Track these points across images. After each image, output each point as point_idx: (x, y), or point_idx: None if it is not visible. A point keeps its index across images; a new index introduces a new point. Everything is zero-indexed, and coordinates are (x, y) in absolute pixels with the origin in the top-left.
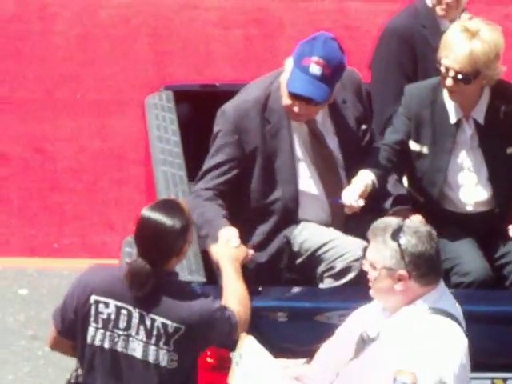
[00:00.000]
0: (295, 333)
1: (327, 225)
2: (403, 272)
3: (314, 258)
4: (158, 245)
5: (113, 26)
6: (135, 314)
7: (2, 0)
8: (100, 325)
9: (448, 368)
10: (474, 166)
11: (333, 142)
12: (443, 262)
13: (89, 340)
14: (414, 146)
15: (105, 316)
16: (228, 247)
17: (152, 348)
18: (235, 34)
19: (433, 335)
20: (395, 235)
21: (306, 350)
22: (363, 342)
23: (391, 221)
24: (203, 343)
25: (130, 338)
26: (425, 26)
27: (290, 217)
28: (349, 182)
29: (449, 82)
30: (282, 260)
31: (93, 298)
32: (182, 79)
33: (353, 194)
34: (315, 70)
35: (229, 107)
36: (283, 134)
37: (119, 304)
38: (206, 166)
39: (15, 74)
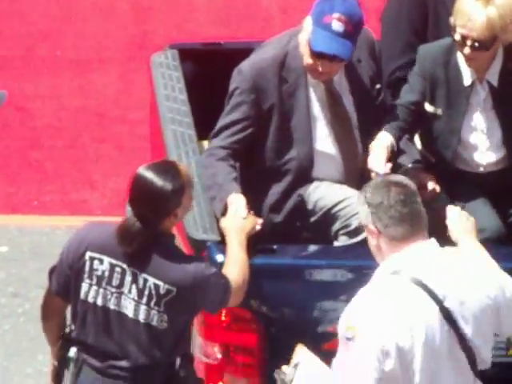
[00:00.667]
0: (310, 291)
1: (341, 183)
2: (372, 226)
3: (329, 216)
4: (148, 204)
5: None
6: (128, 272)
7: None
8: (94, 281)
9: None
10: (487, 128)
11: (348, 101)
12: None
13: (82, 296)
14: (428, 107)
15: (99, 273)
16: (236, 218)
17: (143, 307)
18: None
19: (381, 294)
20: (365, 192)
21: (321, 310)
22: None
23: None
24: (194, 307)
25: (123, 296)
26: None
27: (305, 176)
28: (363, 141)
29: (466, 50)
30: (296, 219)
31: (88, 254)
32: (163, 36)
33: (380, 161)
34: (337, 26)
35: (246, 66)
36: (300, 93)
37: (114, 261)
38: (221, 123)
39: None
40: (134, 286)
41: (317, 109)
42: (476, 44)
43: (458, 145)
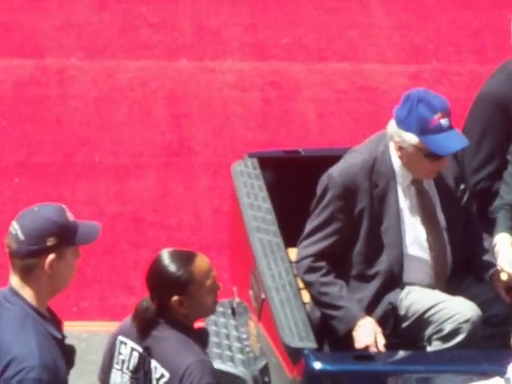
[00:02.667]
0: None
1: (431, 287)
2: None
3: (422, 321)
4: (153, 283)
5: (130, 89)
6: (142, 356)
7: (20, 63)
8: (119, 366)
9: None
10: None
11: (436, 202)
12: None
13: (110, 383)
14: None
15: (123, 357)
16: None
17: None
18: (252, 96)
19: None
20: None
21: None
22: None
23: None
24: None
25: (139, 383)
26: None
27: (394, 280)
28: (451, 243)
29: None
30: (387, 326)
31: (119, 338)
32: (200, 142)
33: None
34: (445, 122)
35: (336, 171)
36: (391, 197)
37: (134, 345)
38: (310, 227)
39: (33, 137)
40: (142, 372)
41: (407, 212)
42: None
43: None
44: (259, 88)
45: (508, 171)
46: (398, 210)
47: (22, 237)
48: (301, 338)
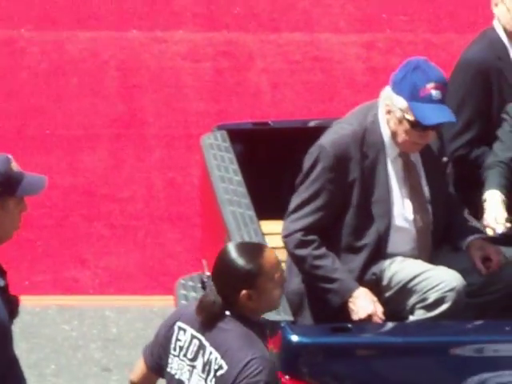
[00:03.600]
0: (387, 370)
1: (414, 257)
2: None
3: (406, 291)
4: (220, 277)
5: (81, 60)
6: (202, 345)
7: None
8: (176, 352)
9: None
10: None
11: (421, 174)
12: None
13: (168, 368)
14: None
15: (181, 343)
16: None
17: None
18: (205, 66)
19: None
20: None
21: None
22: None
23: None
24: None
25: (194, 371)
26: (500, 58)
27: (380, 251)
28: (434, 214)
29: None
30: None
31: (177, 323)
32: (152, 113)
33: (500, 218)
34: (437, 94)
35: (327, 142)
36: (380, 168)
37: (194, 333)
38: (299, 199)
39: None
40: (201, 360)
41: (395, 183)
42: None
43: None
44: (211, 58)
45: (503, 129)
46: (387, 182)
47: None
48: (277, 310)
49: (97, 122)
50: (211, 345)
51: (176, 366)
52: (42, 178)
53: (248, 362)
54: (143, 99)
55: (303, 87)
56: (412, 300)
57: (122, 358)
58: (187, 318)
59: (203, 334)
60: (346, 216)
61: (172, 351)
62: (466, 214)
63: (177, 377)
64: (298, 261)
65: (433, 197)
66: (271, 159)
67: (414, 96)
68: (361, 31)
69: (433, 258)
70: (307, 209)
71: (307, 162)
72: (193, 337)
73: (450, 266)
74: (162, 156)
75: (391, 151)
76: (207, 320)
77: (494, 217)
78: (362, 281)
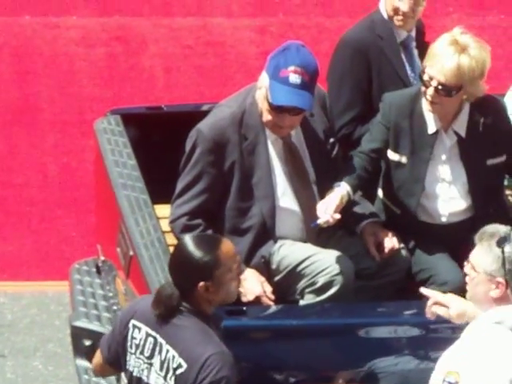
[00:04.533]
0: (279, 352)
1: (302, 241)
2: (501, 279)
3: (294, 275)
4: (177, 270)
5: None
6: (157, 342)
7: None
8: (133, 350)
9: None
10: (451, 177)
11: (305, 156)
12: (419, 273)
13: (127, 365)
14: (392, 155)
15: (137, 341)
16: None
17: (161, 382)
18: (98, 52)
19: (485, 342)
20: (501, 242)
21: (291, 370)
22: None
23: (500, 228)
24: None
25: (152, 368)
26: (381, 37)
27: (267, 233)
28: (321, 197)
29: (430, 91)
30: None
31: (132, 322)
32: (45, 99)
33: (328, 209)
34: (295, 78)
35: (205, 126)
36: (260, 150)
37: (149, 331)
38: (182, 184)
39: None
40: (158, 358)
41: (277, 165)
42: (440, 87)
43: (422, 193)
44: (105, 44)
45: (376, 119)
46: (268, 163)
47: None
48: None
49: None
50: (167, 342)
51: (133, 363)
52: None
53: (207, 359)
54: (36, 85)
55: (196, 72)
56: (301, 284)
57: (16, 344)
58: (141, 314)
59: (158, 332)
60: (229, 198)
61: (129, 349)
62: (358, 196)
63: (135, 374)
64: None
65: (318, 179)
66: (165, 143)
67: (274, 75)
68: (253, 15)
69: (327, 242)
70: (190, 193)
71: (187, 146)
72: (148, 335)
73: (344, 250)
74: (56, 141)
75: (271, 133)
76: (164, 314)
77: (324, 208)
78: (249, 263)
